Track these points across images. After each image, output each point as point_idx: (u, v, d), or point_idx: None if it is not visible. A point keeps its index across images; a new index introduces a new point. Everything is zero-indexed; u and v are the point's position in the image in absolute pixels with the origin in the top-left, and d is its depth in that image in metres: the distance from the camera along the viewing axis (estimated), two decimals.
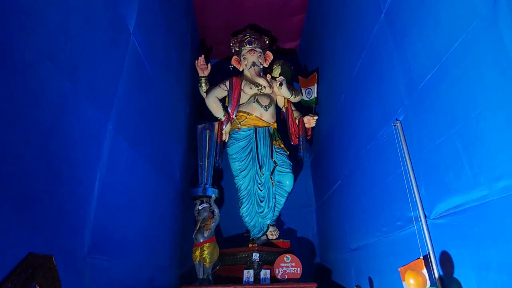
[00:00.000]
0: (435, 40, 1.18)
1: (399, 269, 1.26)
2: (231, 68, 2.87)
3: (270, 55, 2.89)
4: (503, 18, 0.93)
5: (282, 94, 2.73)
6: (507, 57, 0.92)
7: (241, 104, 2.73)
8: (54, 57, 1.02)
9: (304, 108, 3.17)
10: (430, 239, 1.18)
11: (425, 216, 1.23)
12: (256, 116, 2.67)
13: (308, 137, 2.72)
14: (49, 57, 1.00)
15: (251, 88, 2.74)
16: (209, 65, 2.75)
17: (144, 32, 1.65)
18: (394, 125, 1.40)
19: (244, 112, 2.69)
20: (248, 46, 2.81)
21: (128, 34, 1.48)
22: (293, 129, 2.72)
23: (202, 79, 2.74)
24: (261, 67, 2.82)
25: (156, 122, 1.86)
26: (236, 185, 2.58)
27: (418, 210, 1.24)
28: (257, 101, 2.68)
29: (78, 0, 1.14)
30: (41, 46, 0.97)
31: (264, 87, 2.75)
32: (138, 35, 1.56)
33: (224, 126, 2.67)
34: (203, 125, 2.66)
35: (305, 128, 2.67)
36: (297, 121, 2.72)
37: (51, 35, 1.01)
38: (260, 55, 2.81)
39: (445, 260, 1.11)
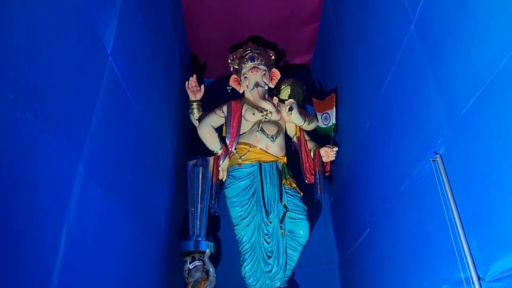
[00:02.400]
0: (477, 56, 1.18)
1: None
2: (229, 90, 2.90)
3: (277, 73, 2.92)
4: None
5: (293, 120, 2.74)
6: None
7: (242, 134, 2.74)
8: (16, 87, 1.02)
9: (320, 137, 3.15)
10: None
11: (479, 278, 1.19)
12: (260, 149, 2.67)
13: (327, 174, 2.70)
14: (10, 87, 1.00)
15: (254, 114, 2.76)
16: (202, 86, 2.78)
17: (124, 51, 1.68)
18: (433, 160, 1.38)
19: (246, 143, 2.69)
20: (249, 63, 2.85)
21: (105, 55, 1.51)
22: (308, 164, 2.70)
23: (194, 103, 2.76)
24: (266, 88, 2.84)
25: (138, 161, 1.87)
26: (237, 237, 2.54)
27: (470, 270, 1.20)
28: (262, 130, 2.69)
29: (46, 20, 1.15)
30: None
31: (270, 112, 2.76)
32: (117, 56, 1.59)
33: (221, 162, 2.67)
34: (195, 161, 2.66)
35: (323, 162, 2.65)
36: (312, 153, 2.71)
37: (12, 60, 1.01)
38: (264, 74, 2.84)
39: None
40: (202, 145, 2.74)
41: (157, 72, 2.25)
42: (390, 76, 1.76)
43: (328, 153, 2.62)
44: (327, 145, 2.64)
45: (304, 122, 2.73)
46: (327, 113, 2.75)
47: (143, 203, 1.96)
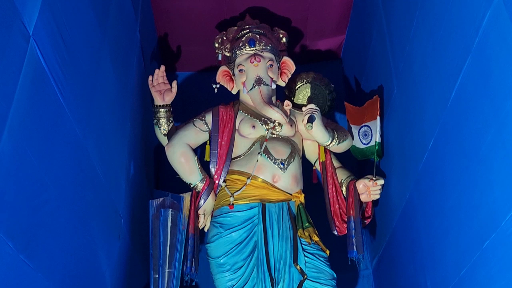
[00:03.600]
0: None
1: None
2: (215, 89, 2.93)
3: (289, 65, 2.95)
4: None
5: (315, 137, 2.74)
6: None
7: (235, 159, 2.76)
8: None
9: (358, 163, 3.11)
10: None
11: None
12: (264, 181, 2.67)
13: (367, 222, 2.71)
14: None
15: (254, 126, 2.78)
16: (174, 84, 2.80)
17: (55, 33, 1.69)
18: None
19: (242, 173, 2.71)
20: (248, 49, 2.88)
21: (26, 37, 1.51)
22: (338, 206, 2.72)
23: (161, 110, 2.79)
24: (274, 86, 2.87)
25: (71, 201, 1.87)
26: None
27: None
28: (267, 152, 2.70)
29: None
30: None
31: (280, 124, 2.78)
32: (43, 40, 1.60)
33: (201, 202, 2.68)
34: (162, 199, 2.64)
35: (361, 203, 2.66)
36: (344, 189, 2.72)
37: None
38: (271, 65, 2.87)
39: None
40: (173, 174, 2.74)
41: (105, 64, 2.26)
42: (465, 71, 1.76)
43: (370, 189, 2.62)
44: (368, 176, 2.64)
45: (332, 140, 2.72)
46: (368, 126, 2.75)
47: (78, 267, 1.94)
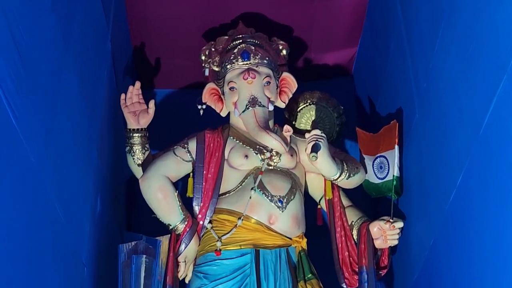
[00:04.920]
0: None
1: None
2: (201, 111, 2.95)
3: (290, 82, 2.98)
4: None
5: (320, 170, 2.74)
6: None
7: (223, 195, 2.78)
8: None
9: (372, 201, 3.10)
10: None
11: None
12: (258, 222, 2.68)
13: (383, 273, 2.71)
14: None
15: (247, 156, 2.80)
16: (151, 103, 2.83)
17: (7, 44, 1.67)
18: None
19: (231, 212, 2.72)
20: (241, 62, 2.91)
21: None
22: (348, 253, 2.72)
23: (135, 135, 2.81)
24: (271, 108, 2.89)
25: (24, 248, 1.83)
26: None
27: None
28: (262, 187, 2.71)
29: None
30: None
31: (278, 154, 2.80)
32: None
33: (182, 247, 2.68)
34: (134, 243, 2.64)
35: (376, 250, 2.67)
36: (356, 233, 2.74)
37: None
38: (268, 82, 2.89)
39: None
40: (149, 212, 2.75)
41: (68, 79, 2.26)
42: (500, 93, 1.75)
43: (386, 233, 2.62)
44: (384, 218, 2.65)
45: (341, 174, 2.73)
46: (384, 157, 2.77)
47: None
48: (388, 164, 2.72)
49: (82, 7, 2.46)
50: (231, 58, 2.91)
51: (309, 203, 2.88)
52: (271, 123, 2.88)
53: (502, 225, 1.79)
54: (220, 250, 2.62)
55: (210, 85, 2.95)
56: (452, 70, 2.14)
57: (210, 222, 2.72)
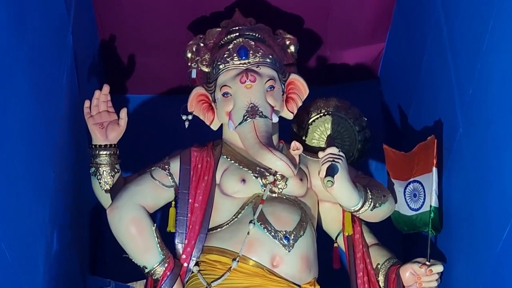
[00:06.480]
0: None
1: None
2: (186, 122, 2.96)
3: (300, 86, 3.01)
4: None
5: (337, 198, 2.74)
6: None
7: (214, 229, 2.78)
8: None
9: (402, 237, 3.10)
10: None
11: None
12: (257, 265, 2.68)
13: None
14: None
15: (244, 180, 2.81)
16: (123, 112, 2.84)
17: None
18: None
19: (224, 252, 2.72)
20: (237, 61, 2.93)
21: None
22: None
23: (102, 153, 2.83)
24: (275, 119, 2.90)
25: None
26: None
27: None
28: (263, 220, 2.72)
29: None
30: None
31: (283, 178, 2.80)
32: None
33: None
34: None
35: None
36: (381, 278, 2.75)
37: None
38: (271, 86, 2.91)
39: None
40: (119, 251, 2.75)
41: (19, 82, 2.25)
42: None
43: (422, 279, 2.62)
44: (419, 260, 2.65)
45: (364, 204, 2.72)
46: (419, 182, 2.78)
47: None
48: (424, 192, 2.73)
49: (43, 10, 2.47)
50: (225, 56, 2.92)
51: (323, 240, 2.88)
52: (275, 138, 2.89)
53: None
54: None
55: (198, 90, 2.96)
56: (505, 73, 2.13)
57: (196, 264, 2.72)
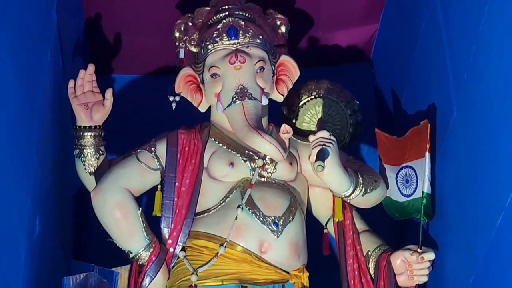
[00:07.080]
0: None
1: None
2: (173, 104, 2.96)
3: (290, 67, 3.01)
4: None
5: (327, 183, 2.75)
6: None
7: (201, 214, 2.79)
8: None
9: (394, 224, 3.10)
10: None
11: None
12: (245, 251, 2.69)
13: None
14: None
15: (232, 164, 2.82)
16: (109, 92, 2.85)
17: None
18: None
19: (211, 237, 2.73)
20: (226, 41, 2.93)
21: None
22: None
23: (87, 135, 2.83)
24: (265, 101, 2.90)
25: None
26: None
27: None
28: (252, 205, 2.73)
29: None
30: None
31: (273, 161, 2.80)
32: None
33: (146, 280, 2.68)
34: (83, 275, 2.65)
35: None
36: (372, 265, 2.76)
37: None
38: (262, 67, 2.92)
39: None
40: (103, 235, 2.75)
41: (1, 62, 2.21)
42: None
43: (413, 267, 2.62)
44: (410, 247, 2.66)
45: (355, 189, 2.73)
46: (411, 167, 2.78)
47: None
48: (417, 177, 2.74)
49: None
50: (214, 35, 2.92)
51: (313, 226, 2.89)
52: (264, 121, 2.89)
53: None
54: (196, 286, 2.62)
55: (186, 71, 2.97)
56: (502, 56, 2.12)
57: (183, 249, 2.73)
